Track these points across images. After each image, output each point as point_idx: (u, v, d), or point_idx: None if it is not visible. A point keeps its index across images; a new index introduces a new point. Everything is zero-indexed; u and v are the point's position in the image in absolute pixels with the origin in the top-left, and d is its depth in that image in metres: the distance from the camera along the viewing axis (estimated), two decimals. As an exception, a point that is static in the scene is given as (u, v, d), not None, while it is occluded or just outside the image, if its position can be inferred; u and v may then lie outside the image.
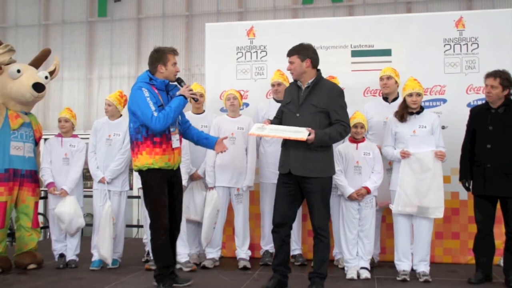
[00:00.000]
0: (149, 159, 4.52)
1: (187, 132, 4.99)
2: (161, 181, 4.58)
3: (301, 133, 4.27)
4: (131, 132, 4.63)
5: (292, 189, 4.49)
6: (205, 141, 5.01)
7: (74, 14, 11.69)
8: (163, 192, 4.61)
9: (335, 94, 4.51)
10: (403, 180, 5.01)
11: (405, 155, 5.01)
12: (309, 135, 4.25)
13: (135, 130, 4.57)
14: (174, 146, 4.63)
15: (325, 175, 4.44)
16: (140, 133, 4.54)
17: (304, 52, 4.50)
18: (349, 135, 5.05)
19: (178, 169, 4.81)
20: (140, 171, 4.63)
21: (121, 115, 5.85)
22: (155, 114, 4.40)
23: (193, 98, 4.67)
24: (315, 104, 4.43)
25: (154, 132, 4.49)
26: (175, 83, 4.74)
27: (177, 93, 4.63)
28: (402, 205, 5.01)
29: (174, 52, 4.66)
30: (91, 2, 11.65)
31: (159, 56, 4.62)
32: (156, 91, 4.57)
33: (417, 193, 4.96)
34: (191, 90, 4.65)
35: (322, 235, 4.42)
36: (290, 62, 4.55)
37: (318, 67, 4.60)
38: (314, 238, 4.50)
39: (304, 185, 4.43)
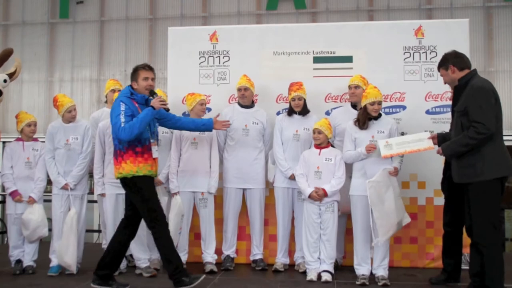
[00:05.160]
0: (133, 167, 4.70)
1: (178, 124, 5.24)
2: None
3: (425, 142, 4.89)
4: (114, 142, 4.84)
5: None
6: (202, 126, 5.34)
7: (35, 15, 11.48)
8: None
9: None
10: (377, 211, 4.98)
11: (371, 148, 5.08)
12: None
13: (117, 140, 4.78)
14: (154, 156, 4.84)
15: None
16: (122, 143, 4.72)
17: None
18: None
19: None
20: (124, 179, 4.75)
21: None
22: (123, 125, 4.61)
23: (164, 108, 4.89)
24: None
25: (122, 142, 4.68)
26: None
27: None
28: (385, 232, 5.00)
29: (144, 67, 4.94)
30: (52, 3, 11.46)
31: (132, 73, 4.94)
32: (137, 105, 4.78)
33: (390, 214, 5.00)
34: (162, 100, 4.82)
35: (480, 244, 4.46)
36: None
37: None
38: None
39: None
